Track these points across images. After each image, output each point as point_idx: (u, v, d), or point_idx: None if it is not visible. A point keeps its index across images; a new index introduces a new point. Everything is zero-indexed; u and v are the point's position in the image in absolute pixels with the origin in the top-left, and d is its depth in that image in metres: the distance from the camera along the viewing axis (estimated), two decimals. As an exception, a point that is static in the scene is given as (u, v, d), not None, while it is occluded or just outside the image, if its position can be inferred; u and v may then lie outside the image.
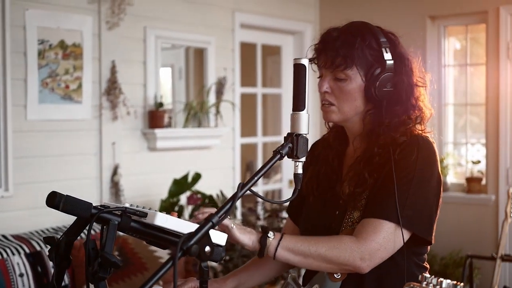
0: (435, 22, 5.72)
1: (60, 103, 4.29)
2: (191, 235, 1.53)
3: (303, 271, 2.21)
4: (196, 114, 5.04)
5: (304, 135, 1.80)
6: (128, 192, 4.59)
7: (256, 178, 1.72)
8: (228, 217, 1.87)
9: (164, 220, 1.70)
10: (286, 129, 6.23)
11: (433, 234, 1.98)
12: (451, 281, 1.33)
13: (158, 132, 4.72)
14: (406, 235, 1.92)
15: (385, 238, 1.90)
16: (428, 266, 2.09)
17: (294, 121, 1.82)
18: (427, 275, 1.38)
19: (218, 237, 1.74)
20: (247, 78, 5.88)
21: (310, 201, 2.15)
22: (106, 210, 1.69)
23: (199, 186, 4.87)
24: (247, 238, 1.90)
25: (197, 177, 4.77)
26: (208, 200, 4.68)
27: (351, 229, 1.98)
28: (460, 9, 5.56)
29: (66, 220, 4.23)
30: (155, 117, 4.73)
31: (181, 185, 4.69)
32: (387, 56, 1.99)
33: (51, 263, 3.85)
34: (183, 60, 5.38)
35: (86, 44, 4.40)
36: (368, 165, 1.99)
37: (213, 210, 1.88)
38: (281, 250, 1.89)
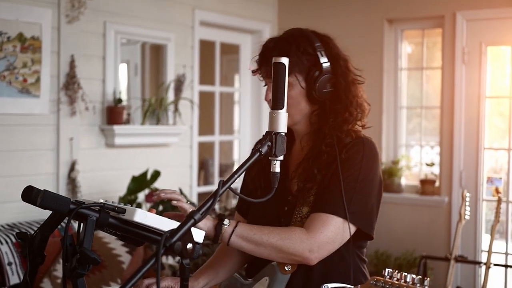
0: (393, 25, 5.80)
1: (17, 96, 4.20)
2: (173, 232, 1.52)
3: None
4: (154, 111, 5.00)
5: (283, 133, 1.81)
6: (85, 189, 4.53)
7: (236, 176, 1.72)
8: (188, 201, 2.01)
9: (143, 217, 1.68)
10: (240, 128, 6.24)
11: (374, 229, 2.11)
12: (417, 276, 1.37)
13: (117, 128, 4.67)
14: (352, 229, 2.03)
15: (333, 232, 2.00)
16: (366, 259, 2.22)
17: (273, 119, 1.82)
18: (388, 269, 1.43)
19: (196, 235, 1.73)
20: (204, 76, 5.86)
21: (258, 194, 2.21)
22: (85, 206, 1.67)
23: (157, 184, 4.84)
24: (203, 223, 1.95)
25: (156, 174, 4.74)
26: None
27: (300, 224, 2.06)
28: (417, 13, 5.64)
29: (21, 216, 4.17)
30: (114, 113, 4.68)
31: (139, 182, 4.65)
32: (323, 59, 2.10)
33: (6, 260, 3.78)
34: (139, 56, 5.33)
35: (45, 37, 4.32)
36: (316, 162, 2.09)
37: (176, 193, 1.99)
38: (235, 237, 1.97)
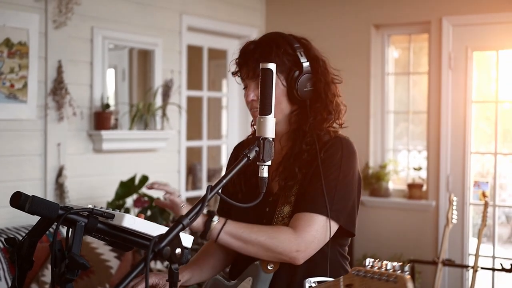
0: (379, 30, 5.83)
1: (4, 102, 4.19)
2: (162, 237, 1.53)
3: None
4: (142, 116, 5.00)
5: (271, 139, 1.83)
6: (73, 194, 4.52)
7: (224, 181, 1.73)
8: (180, 195, 2.04)
9: (132, 222, 1.69)
10: (228, 132, 6.25)
11: (356, 227, 2.14)
12: (398, 263, 1.39)
13: (104, 133, 4.66)
14: (334, 227, 2.06)
15: (317, 231, 2.03)
16: (349, 257, 2.25)
17: (261, 125, 1.84)
18: (369, 259, 1.45)
19: (185, 240, 1.74)
20: (191, 82, 5.86)
21: (239, 198, 2.22)
22: (73, 211, 1.67)
23: (145, 189, 4.82)
24: None
25: (144, 179, 4.73)
26: (155, 203, 4.63)
27: (281, 224, 2.09)
28: (404, 18, 5.67)
29: (9, 222, 4.16)
30: (101, 119, 4.67)
31: (128, 187, 4.65)
32: (303, 59, 2.15)
33: (-6, 266, 3.76)
34: (126, 62, 5.33)
35: (32, 43, 4.31)
36: (297, 161, 2.13)
37: (168, 185, 2.00)
38: (223, 235, 2.00)
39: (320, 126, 2.15)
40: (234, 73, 2.24)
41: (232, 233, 2.00)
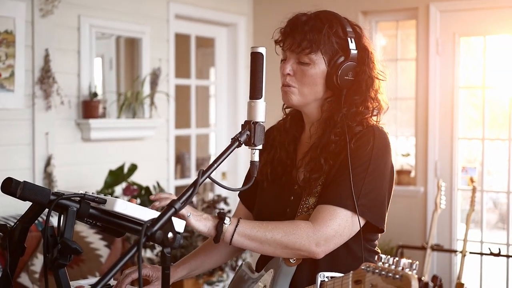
0: (367, 17, 5.83)
1: (-9, 91, 4.17)
2: (155, 221, 1.52)
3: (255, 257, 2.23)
4: (130, 104, 4.99)
5: (261, 123, 1.83)
6: (62, 183, 4.51)
7: (216, 165, 1.73)
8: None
9: (124, 207, 1.69)
10: (216, 121, 6.24)
11: (385, 222, 2.03)
12: (408, 260, 1.38)
13: (93, 122, 4.64)
14: (361, 222, 1.95)
15: (340, 225, 1.93)
16: (379, 250, 2.13)
17: (251, 109, 1.84)
18: (383, 255, 1.42)
19: (177, 224, 1.74)
20: (179, 70, 5.85)
21: (264, 186, 2.18)
22: (65, 196, 1.67)
23: (134, 177, 4.83)
24: (203, 225, 1.89)
25: (133, 168, 4.73)
26: (144, 192, 4.64)
27: (306, 215, 2.00)
28: (391, 5, 5.67)
29: (-2, 211, 4.15)
30: (89, 107, 4.65)
31: (116, 176, 4.64)
32: (352, 46, 2.04)
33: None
34: (113, 50, 5.30)
35: (18, 31, 4.28)
36: (324, 152, 2.02)
37: (172, 196, 1.89)
38: (237, 236, 1.91)
39: (354, 118, 2.03)
40: (277, 42, 2.10)
41: (246, 233, 1.91)
